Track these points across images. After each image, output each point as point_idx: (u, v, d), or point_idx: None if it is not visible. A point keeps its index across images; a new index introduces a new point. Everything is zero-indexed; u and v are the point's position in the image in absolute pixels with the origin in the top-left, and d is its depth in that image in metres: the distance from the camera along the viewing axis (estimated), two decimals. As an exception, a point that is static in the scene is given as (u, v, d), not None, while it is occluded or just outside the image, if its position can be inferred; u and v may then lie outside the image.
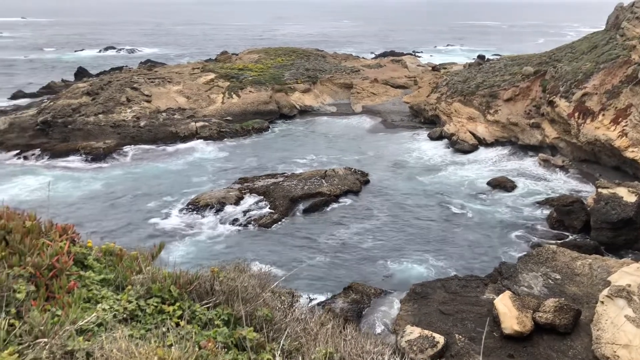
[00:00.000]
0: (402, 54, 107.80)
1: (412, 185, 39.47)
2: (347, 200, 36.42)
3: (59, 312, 3.58)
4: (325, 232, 31.62)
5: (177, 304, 4.21)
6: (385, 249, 29.46)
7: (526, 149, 45.36)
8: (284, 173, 40.84)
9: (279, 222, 32.84)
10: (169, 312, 4.12)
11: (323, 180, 38.27)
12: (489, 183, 39.11)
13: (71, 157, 44.22)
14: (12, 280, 3.73)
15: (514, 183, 38.77)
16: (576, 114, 40.52)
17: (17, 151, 45.03)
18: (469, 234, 31.42)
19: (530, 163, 43.10)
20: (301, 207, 34.93)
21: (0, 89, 73.38)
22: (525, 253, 27.58)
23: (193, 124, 52.36)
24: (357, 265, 27.74)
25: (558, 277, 24.09)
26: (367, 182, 39.40)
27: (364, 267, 27.59)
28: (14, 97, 66.79)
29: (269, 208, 34.41)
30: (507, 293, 21.62)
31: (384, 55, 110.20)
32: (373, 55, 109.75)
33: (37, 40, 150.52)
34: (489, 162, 44.16)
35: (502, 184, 38.57)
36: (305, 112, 60.75)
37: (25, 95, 67.31)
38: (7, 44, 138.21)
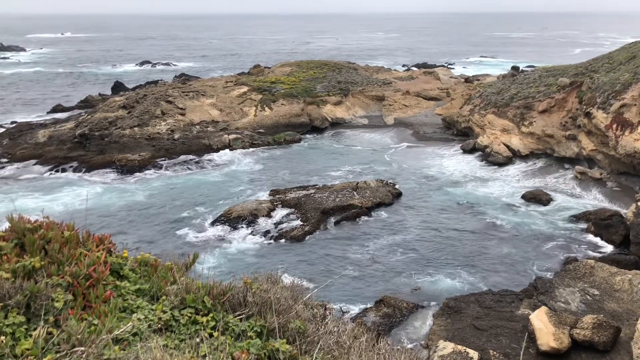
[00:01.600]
0: (435, 66, 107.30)
1: (445, 197, 39.04)
2: (379, 213, 36.21)
3: (96, 321, 3.63)
4: (357, 245, 31.47)
5: (211, 314, 4.22)
6: (418, 262, 29.14)
7: (562, 162, 44.43)
8: (316, 185, 40.88)
9: (311, 235, 32.81)
10: (202, 322, 4.13)
11: (355, 193, 38.17)
12: (523, 196, 38.39)
13: (107, 169, 45.16)
14: (50, 289, 3.80)
15: (550, 196, 37.96)
16: (614, 126, 39.55)
17: (56, 163, 46.17)
18: (504, 247, 30.85)
19: (566, 176, 42.19)
20: (333, 219, 34.86)
21: (41, 102, 75.82)
22: (562, 268, 26.93)
23: (226, 136, 52.97)
24: (390, 278, 27.49)
25: (596, 292, 23.42)
26: (399, 194, 39.12)
27: (396, 280, 27.32)
28: (54, 110, 68.77)
29: (301, 220, 34.44)
30: (543, 308, 21.09)
31: (416, 67, 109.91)
32: (405, 68, 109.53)
33: (76, 55, 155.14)
34: (524, 174, 43.39)
35: (537, 197, 37.83)
36: (336, 124, 60.87)
37: (64, 109, 69.19)
38: (47, 59, 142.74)
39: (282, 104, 60.03)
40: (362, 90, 66.56)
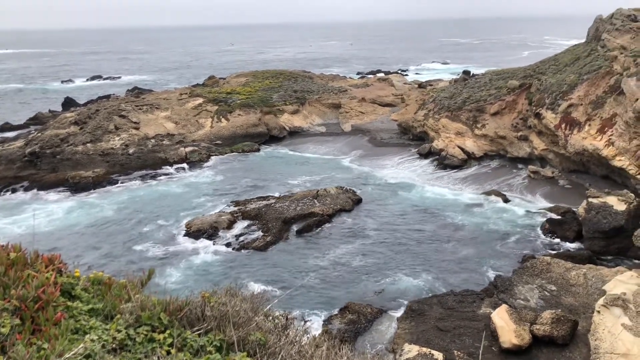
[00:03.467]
0: (389, 73, 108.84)
1: (403, 201, 39.48)
2: (340, 220, 36.33)
3: (45, 345, 3.48)
4: (320, 253, 31.46)
5: (168, 331, 4.11)
6: (380, 267, 29.32)
7: (515, 162, 45.63)
8: (276, 194, 40.73)
9: (273, 244, 32.61)
10: (159, 340, 4.02)
11: (315, 201, 38.21)
12: (480, 197, 39.23)
13: (60, 188, 43.91)
14: (-4, 314, 3.62)
15: (505, 196, 38.89)
16: (563, 125, 40.88)
17: (6, 183, 44.60)
18: (463, 248, 31.38)
19: (520, 175, 43.30)
20: (294, 228, 34.78)
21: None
22: (520, 266, 27.56)
23: (182, 149, 52.27)
24: (353, 285, 27.56)
25: (554, 288, 24.05)
26: (359, 200, 39.35)
27: (359, 286, 27.41)
28: (1, 129, 66.35)
29: (262, 231, 34.22)
30: (504, 307, 21.53)
31: (371, 74, 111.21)
32: (360, 75, 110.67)
33: (22, 71, 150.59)
34: (479, 176, 44.34)
35: (493, 197, 38.70)
36: (294, 133, 60.92)
37: (12, 128, 66.90)
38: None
39: (238, 115, 59.68)
40: (319, 99, 66.85)
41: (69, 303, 4.23)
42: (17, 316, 3.76)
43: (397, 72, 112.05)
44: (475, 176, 44.26)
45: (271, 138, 58.91)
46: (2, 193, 43.07)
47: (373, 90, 72.10)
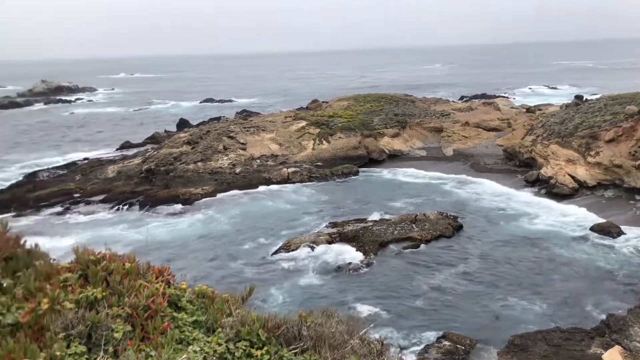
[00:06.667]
0: (494, 97, 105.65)
1: (507, 230, 37.86)
2: (439, 245, 35.47)
3: (153, 353, 3.69)
4: (417, 278, 30.84)
5: (265, 348, 4.21)
6: (481, 296, 28.20)
7: (632, 192, 42.34)
8: (374, 217, 40.60)
9: (369, 267, 32.47)
10: (257, 356, 4.13)
11: (413, 225, 37.63)
12: (591, 229, 36.71)
13: (172, 203, 46.55)
14: (110, 320, 3.91)
15: (620, 229, 36.12)
16: (690, 154, 37.48)
17: (124, 198, 48.01)
18: (572, 282, 29.45)
19: (637, 207, 40.11)
20: (391, 251, 34.42)
21: (111, 139, 79.64)
22: (636, 305, 25.39)
23: (285, 169, 53.72)
24: (451, 313, 26.70)
25: (676, 332, 21.90)
26: (459, 227, 38.24)
27: (458, 315, 26.50)
28: (122, 147, 71.97)
29: (359, 253, 34.20)
30: (617, 348, 19.89)
31: (475, 97, 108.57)
32: (464, 99, 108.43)
33: (144, 94, 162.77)
34: (591, 206, 41.57)
35: (606, 230, 36.08)
36: (394, 156, 60.62)
37: (131, 146, 72.29)
38: (118, 98, 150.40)
39: (339, 137, 60.48)
40: (420, 122, 66.19)
41: (175, 314, 4.47)
42: (128, 323, 4.03)
43: (503, 96, 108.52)
44: (587, 206, 41.55)
45: (370, 161, 59.00)
46: (121, 206, 46.36)
47: (477, 114, 70.28)
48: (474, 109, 74.91)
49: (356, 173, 55.07)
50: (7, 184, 52.45)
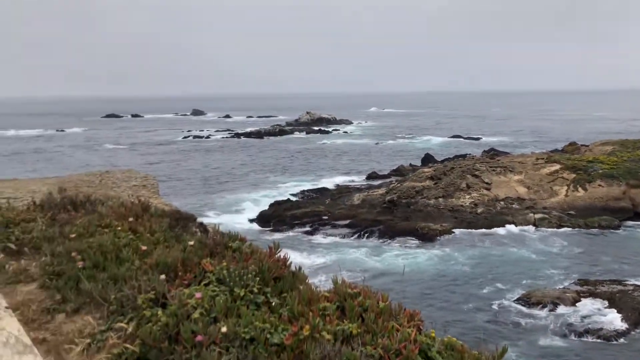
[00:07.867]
0: None
1: None
2: None
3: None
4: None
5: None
6: None
7: None
8: (637, 281, 35.38)
9: (625, 338, 28.26)
10: None
11: (688, 298, 31.74)
12: None
13: (410, 235, 47.12)
14: (364, 359, 3.94)
15: None
16: None
17: (366, 225, 50.17)
18: None
19: None
20: (656, 325, 29.49)
21: (360, 169, 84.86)
22: None
23: (531, 215, 50.36)
24: None
25: None
26: None
27: None
28: (369, 177, 75.93)
29: (614, 318, 30.03)
30: None
31: None
32: None
33: (393, 128, 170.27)
34: None
35: None
36: (668, 213, 52.30)
37: (377, 176, 75.73)
38: (369, 131, 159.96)
39: (599, 185, 54.58)
40: None
41: (424, 364, 4.33)
42: (381, 365, 4.01)
43: None
44: None
45: (636, 215, 51.81)
46: (363, 232, 48.59)
47: None
48: None
49: (617, 227, 48.88)
50: (272, 200, 59.09)
